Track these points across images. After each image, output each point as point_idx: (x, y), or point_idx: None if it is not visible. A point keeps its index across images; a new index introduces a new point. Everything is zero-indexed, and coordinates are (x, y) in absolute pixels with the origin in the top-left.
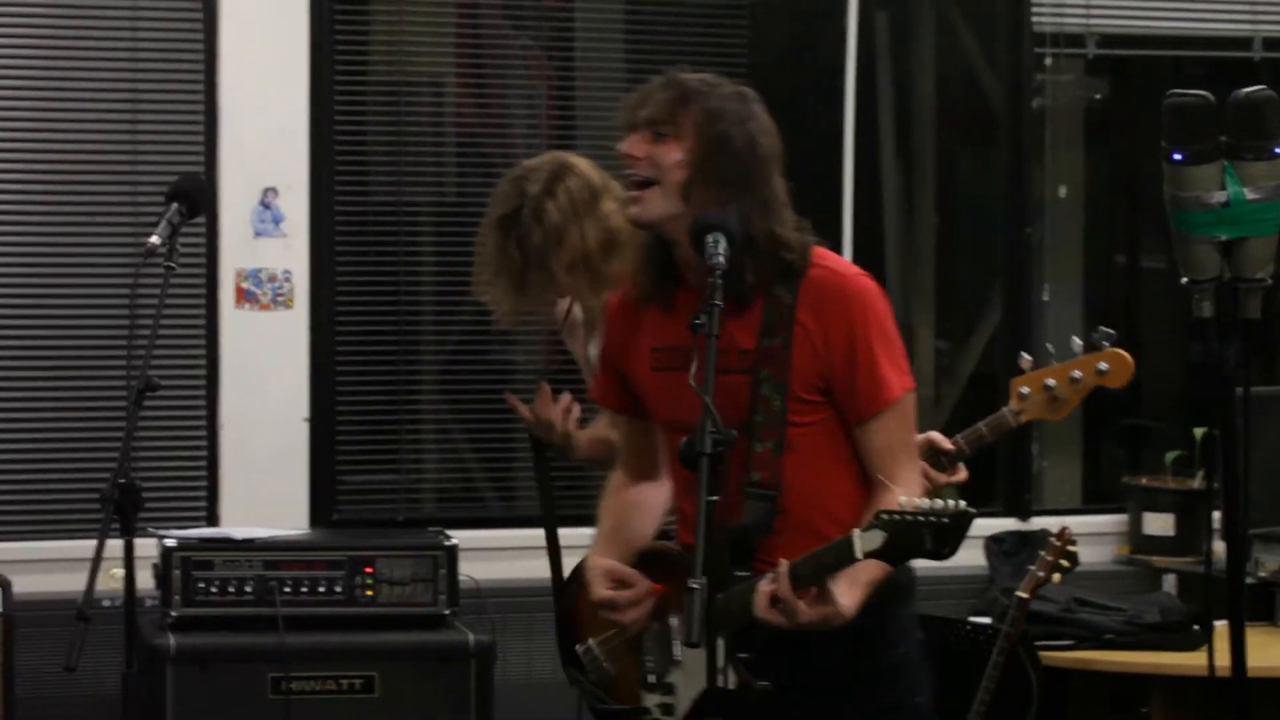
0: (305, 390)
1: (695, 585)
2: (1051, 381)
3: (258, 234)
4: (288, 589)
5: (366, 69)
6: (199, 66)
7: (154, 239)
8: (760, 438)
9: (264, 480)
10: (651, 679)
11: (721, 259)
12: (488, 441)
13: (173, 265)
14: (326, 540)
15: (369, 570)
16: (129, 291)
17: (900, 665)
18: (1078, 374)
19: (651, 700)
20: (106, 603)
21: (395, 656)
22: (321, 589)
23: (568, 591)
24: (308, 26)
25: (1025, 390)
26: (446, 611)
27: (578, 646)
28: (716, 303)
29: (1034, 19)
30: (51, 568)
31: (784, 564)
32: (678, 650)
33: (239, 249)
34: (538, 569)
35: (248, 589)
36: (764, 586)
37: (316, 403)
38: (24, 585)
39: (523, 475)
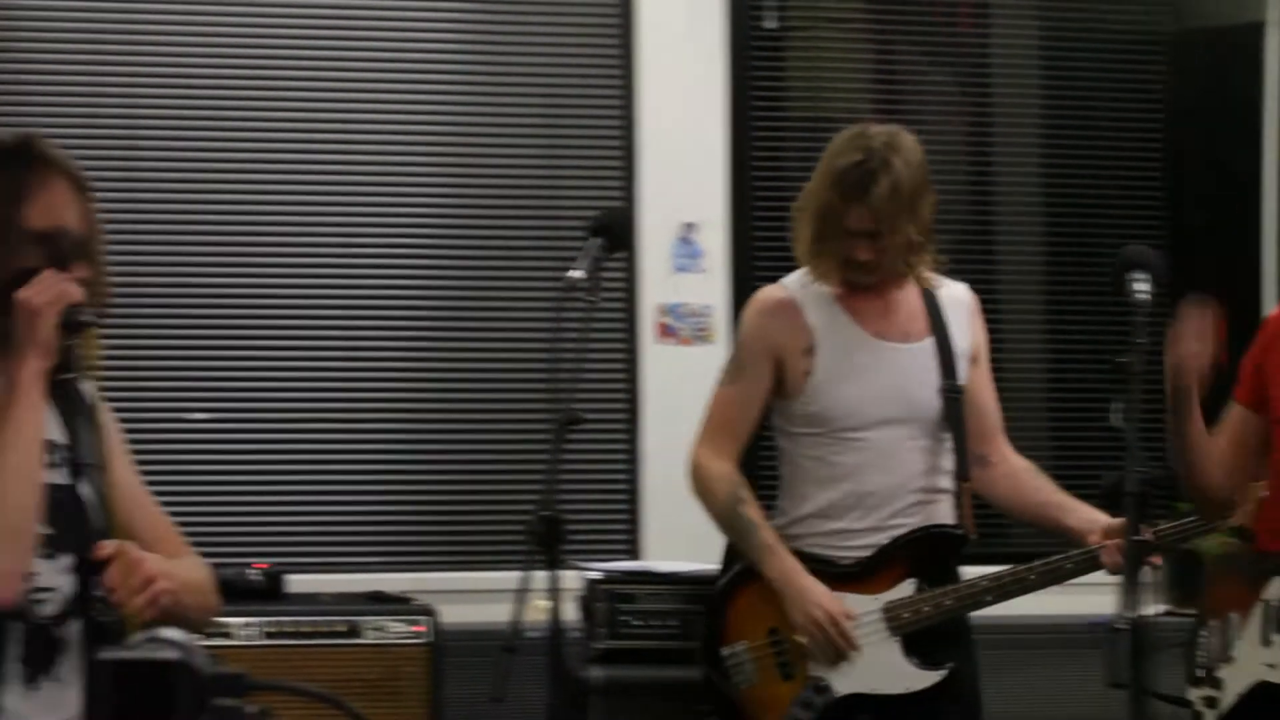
0: None
1: (1120, 626)
2: None
3: (678, 269)
4: None
5: (784, 105)
6: (619, 103)
7: (576, 273)
8: None
9: (686, 514)
10: (1200, 673)
11: (1146, 295)
12: None
13: (594, 299)
14: None
15: None
16: (551, 325)
17: None
18: None
19: (1196, 694)
20: (531, 634)
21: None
22: None
23: (726, 589)
24: (726, 63)
25: None
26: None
27: (724, 649)
28: (1140, 340)
29: None
30: (477, 598)
31: None
32: (1235, 649)
33: (659, 284)
34: None
35: (672, 622)
36: None
37: None
38: (451, 615)
39: None
